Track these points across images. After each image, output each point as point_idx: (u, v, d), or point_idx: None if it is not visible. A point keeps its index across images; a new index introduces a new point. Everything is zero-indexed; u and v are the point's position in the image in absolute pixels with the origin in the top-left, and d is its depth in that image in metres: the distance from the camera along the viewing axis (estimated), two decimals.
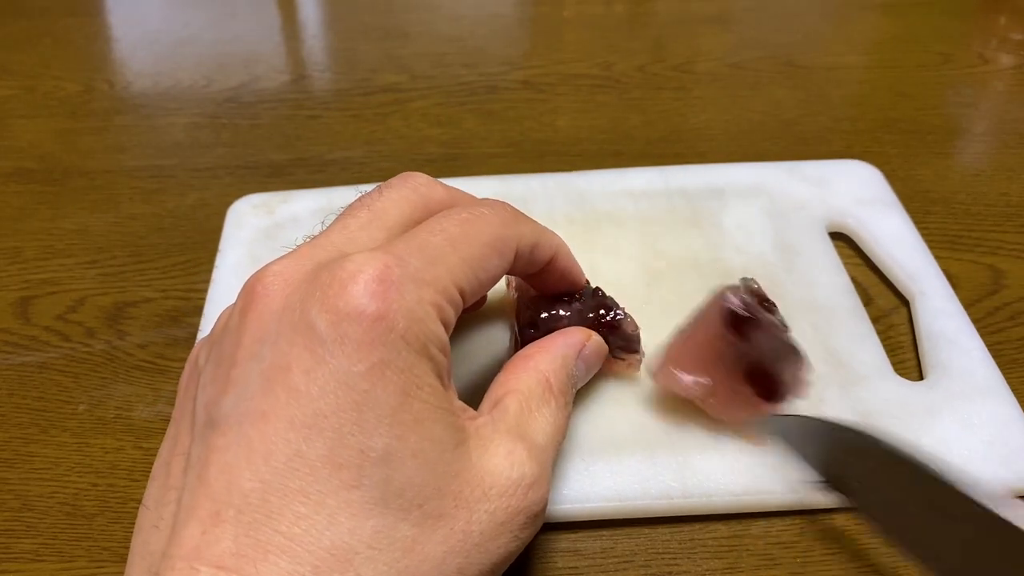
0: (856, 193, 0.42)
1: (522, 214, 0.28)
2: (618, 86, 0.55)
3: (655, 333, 0.32)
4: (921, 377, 0.34)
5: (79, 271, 0.41)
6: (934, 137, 0.50)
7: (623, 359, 0.32)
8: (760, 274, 0.35)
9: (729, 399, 0.30)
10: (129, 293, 0.40)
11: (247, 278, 0.24)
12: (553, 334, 0.30)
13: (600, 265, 0.37)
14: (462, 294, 0.25)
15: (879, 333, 0.36)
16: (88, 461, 0.33)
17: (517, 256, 0.27)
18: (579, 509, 0.29)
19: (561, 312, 0.31)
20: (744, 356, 0.29)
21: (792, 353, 0.30)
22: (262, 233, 0.40)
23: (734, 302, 0.29)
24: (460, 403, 0.24)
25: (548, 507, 0.25)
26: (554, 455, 0.26)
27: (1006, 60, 0.57)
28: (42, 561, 0.29)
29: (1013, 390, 0.35)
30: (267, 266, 0.24)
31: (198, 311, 0.38)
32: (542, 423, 0.26)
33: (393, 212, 0.26)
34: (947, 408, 0.32)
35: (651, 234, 0.39)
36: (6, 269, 0.41)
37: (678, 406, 0.32)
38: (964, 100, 0.54)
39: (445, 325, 0.24)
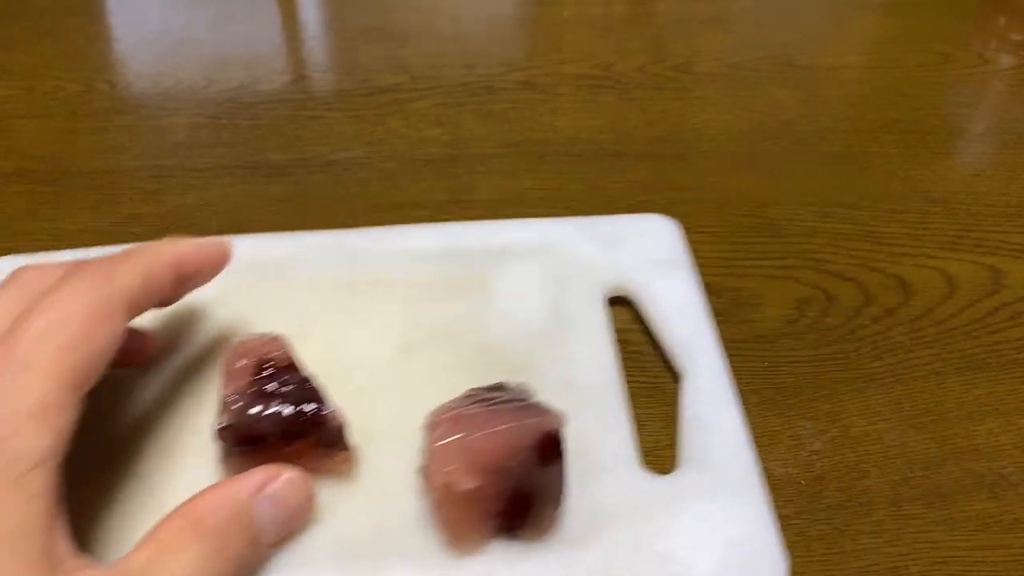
0: (648, 253, 0.39)
1: (121, 256, 0.27)
2: (618, 86, 0.55)
3: (397, 417, 0.30)
4: (674, 468, 0.31)
5: None
6: (934, 137, 0.50)
7: (333, 456, 0.29)
8: (521, 347, 0.34)
9: (474, 513, 0.27)
10: None
11: None
12: (226, 479, 0.27)
13: (352, 337, 0.35)
14: (75, 386, 0.24)
15: (644, 413, 0.34)
16: None
17: (132, 306, 0.26)
18: None
19: (261, 412, 0.28)
20: (523, 480, 0.27)
21: (560, 496, 0.28)
22: None
23: (560, 429, 0.27)
24: (69, 550, 0.22)
25: None
26: None
27: (1006, 60, 0.57)
28: None
29: (1013, 390, 0.35)
30: None
31: None
32: (178, 566, 0.23)
33: (1, 317, 0.25)
34: (691, 507, 0.29)
35: (416, 301, 0.36)
36: (6, 269, 0.41)
37: (383, 516, 0.29)
38: (964, 100, 0.54)
39: (52, 432, 0.22)
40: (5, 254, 0.42)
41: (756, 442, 0.33)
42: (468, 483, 0.26)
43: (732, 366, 0.36)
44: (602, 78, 0.56)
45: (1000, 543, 0.30)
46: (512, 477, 0.26)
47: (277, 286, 0.37)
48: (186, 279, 0.30)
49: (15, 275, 0.27)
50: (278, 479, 0.27)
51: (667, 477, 0.31)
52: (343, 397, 0.29)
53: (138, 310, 0.27)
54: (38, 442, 0.22)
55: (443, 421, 0.27)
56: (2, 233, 0.43)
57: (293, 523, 0.28)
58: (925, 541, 0.30)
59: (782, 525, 0.30)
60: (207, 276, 0.31)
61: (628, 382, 0.34)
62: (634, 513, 0.29)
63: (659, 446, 0.33)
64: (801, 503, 0.31)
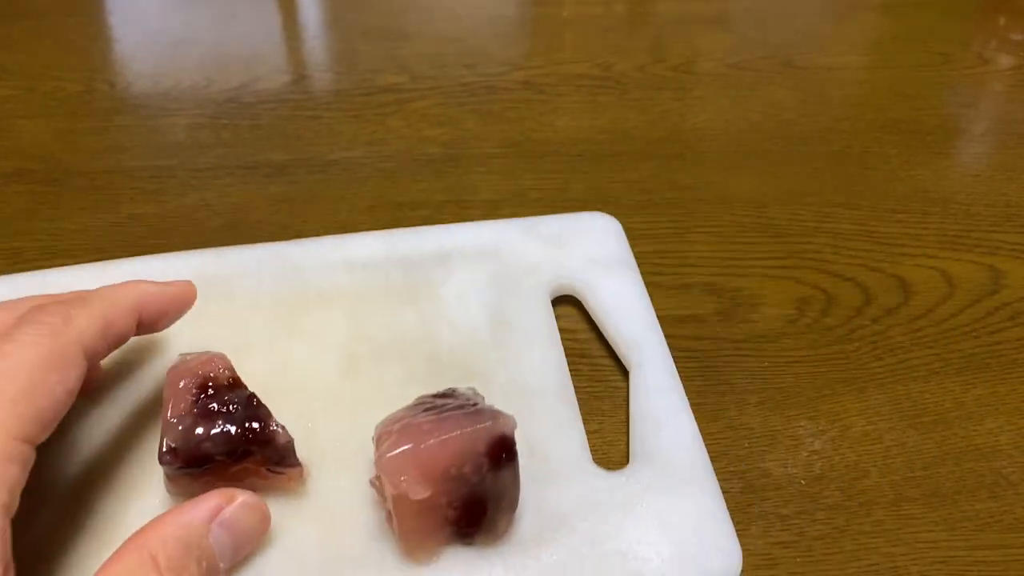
0: (591, 251, 0.39)
1: (80, 300, 0.27)
2: (618, 86, 0.55)
3: (344, 432, 0.31)
4: (627, 463, 0.31)
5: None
6: (934, 137, 0.50)
7: (281, 473, 0.29)
8: (469, 353, 0.34)
9: (429, 522, 0.27)
10: None
11: None
12: (178, 506, 0.26)
13: (295, 355, 0.34)
14: (27, 437, 0.23)
15: (595, 409, 0.34)
16: None
17: (90, 353, 0.26)
18: None
19: (205, 432, 0.27)
20: (477, 485, 0.27)
21: (514, 500, 0.28)
22: None
23: (511, 433, 0.27)
24: None
25: None
26: None
27: (1006, 60, 0.57)
28: None
29: (1012, 390, 0.35)
30: None
31: None
32: None
33: None
34: (644, 503, 0.29)
35: (361, 313, 0.36)
36: (7, 270, 0.41)
37: (336, 530, 0.28)
38: (964, 100, 0.54)
39: (5, 487, 0.22)
40: (6, 254, 0.42)
41: (756, 442, 0.33)
42: (421, 492, 0.26)
43: (732, 365, 0.36)
44: (602, 78, 0.56)
45: (1000, 543, 0.30)
46: (466, 483, 0.26)
47: (219, 304, 0.36)
48: (148, 323, 0.29)
49: None
50: (232, 503, 0.26)
51: (620, 473, 0.31)
52: (289, 414, 0.29)
53: (96, 357, 0.27)
54: None
55: (393, 431, 0.27)
56: (2, 233, 0.43)
57: (249, 546, 0.27)
58: (925, 541, 0.30)
59: (782, 525, 0.30)
60: (171, 319, 0.31)
61: (577, 380, 0.34)
62: (589, 512, 0.29)
63: (610, 442, 0.33)
64: (801, 503, 0.31)
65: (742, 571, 0.29)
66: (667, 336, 0.36)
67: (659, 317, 0.36)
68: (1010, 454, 0.33)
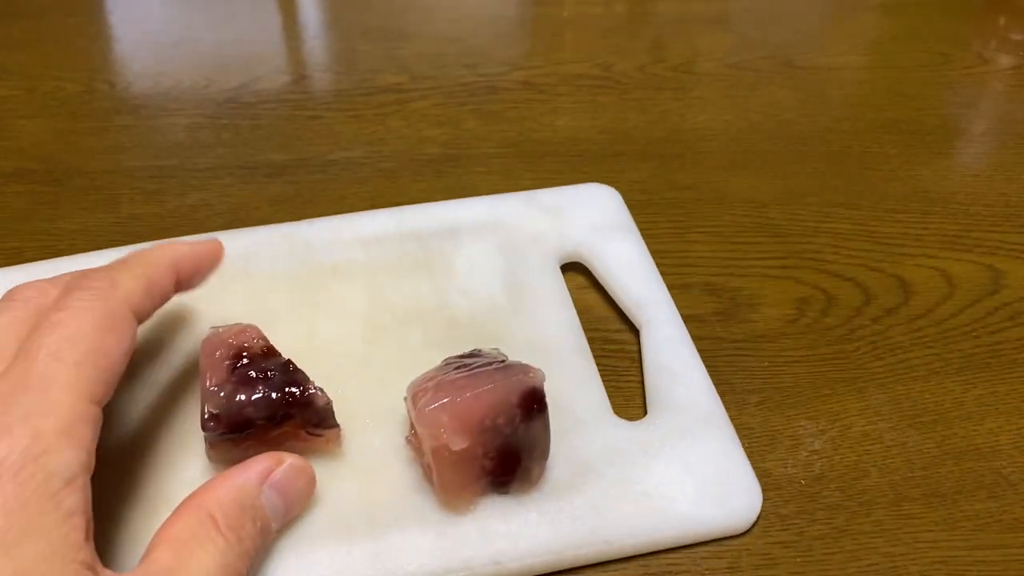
0: (592, 219, 0.41)
1: (121, 264, 0.28)
2: (618, 86, 0.55)
3: (374, 395, 0.32)
4: (644, 414, 0.33)
5: None
6: (934, 137, 0.50)
7: (320, 435, 0.30)
8: (486, 318, 0.36)
9: (467, 472, 0.28)
10: None
11: None
12: (230, 469, 0.27)
13: (319, 327, 0.35)
14: (95, 398, 0.24)
15: (609, 368, 0.35)
16: None
17: (138, 312, 0.26)
18: None
19: (246, 398, 0.28)
20: (511, 436, 0.28)
21: (545, 449, 0.29)
22: None
23: (541, 384, 0.29)
24: (94, 560, 0.22)
25: None
26: None
27: (1006, 60, 0.57)
28: None
29: (1012, 390, 0.35)
30: None
31: None
32: (199, 566, 0.24)
33: (9, 338, 0.25)
34: (665, 447, 0.31)
35: (379, 285, 0.37)
36: (7, 270, 0.41)
37: (375, 488, 0.30)
38: (964, 100, 0.54)
39: (80, 447, 0.23)
40: (6, 254, 0.42)
41: (756, 442, 0.33)
42: (460, 443, 0.27)
43: (732, 365, 0.36)
44: (602, 78, 0.56)
45: (1000, 543, 0.30)
46: (500, 434, 0.28)
47: (238, 281, 0.37)
48: (185, 280, 0.30)
49: (11, 295, 0.27)
50: (281, 465, 0.27)
51: (640, 423, 0.33)
52: (318, 380, 0.30)
53: (144, 316, 0.27)
54: (70, 459, 0.22)
55: (428, 388, 0.28)
56: (2, 233, 0.43)
57: (298, 507, 0.28)
58: (925, 541, 0.30)
59: (782, 525, 0.30)
60: (204, 275, 0.31)
61: (590, 340, 0.36)
62: (614, 458, 0.31)
63: (628, 396, 0.35)
64: (801, 503, 0.31)
65: (744, 571, 0.29)
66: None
67: None
68: (1010, 454, 0.33)
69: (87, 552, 0.22)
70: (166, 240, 0.31)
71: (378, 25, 0.62)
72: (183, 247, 0.30)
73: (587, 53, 0.58)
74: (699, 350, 0.36)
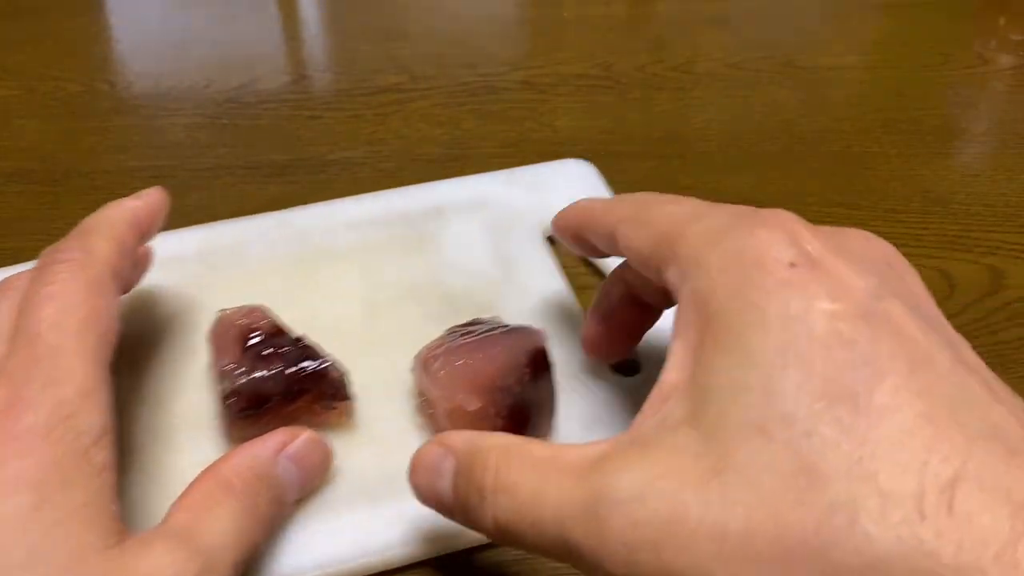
0: (572, 193, 0.40)
1: (88, 231, 0.28)
2: (618, 86, 0.55)
3: (380, 369, 0.33)
4: (639, 370, 0.34)
5: None
6: (934, 137, 0.50)
7: (334, 407, 0.31)
8: (480, 290, 0.37)
9: (482, 429, 0.28)
10: None
11: None
12: (246, 443, 0.28)
13: (319, 308, 0.36)
14: (102, 362, 0.25)
15: None
16: None
17: (116, 274, 0.27)
18: None
19: (264, 374, 0.29)
20: (520, 395, 0.29)
21: (552, 406, 0.31)
22: None
23: (546, 344, 0.30)
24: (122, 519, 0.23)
25: None
26: (236, 558, 0.24)
27: (1006, 60, 0.57)
28: None
29: (1012, 389, 0.35)
30: None
31: None
32: (216, 524, 0.24)
33: (3, 323, 0.25)
34: None
35: (373, 265, 0.39)
36: (7, 270, 0.41)
37: (390, 456, 0.30)
38: (964, 100, 0.54)
39: (101, 409, 0.24)
40: (6, 254, 0.42)
41: None
42: (475, 403, 0.28)
43: None
44: (602, 78, 0.56)
45: None
46: (512, 394, 0.29)
47: (234, 269, 0.38)
48: (145, 234, 0.30)
49: (3, 286, 0.27)
50: (297, 439, 0.28)
51: (636, 378, 0.34)
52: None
53: (120, 277, 0.28)
54: (96, 418, 0.23)
55: (437, 355, 0.30)
56: (2, 233, 0.43)
57: (313, 480, 0.29)
58: None
59: None
60: (158, 225, 0.32)
61: (583, 306, 0.36)
62: (615, 412, 0.32)
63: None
64: None
65: None
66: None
67: None
68: None
69: (118, 505, 0.23)
70: (114, 201, 0.31)
71: (378, 25, 0.62)
72: (135, 202, 0.30)
73: (587, 53, 0.58)
74: None
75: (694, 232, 0.23)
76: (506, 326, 0.31)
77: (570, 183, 0.43)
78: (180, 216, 0.44)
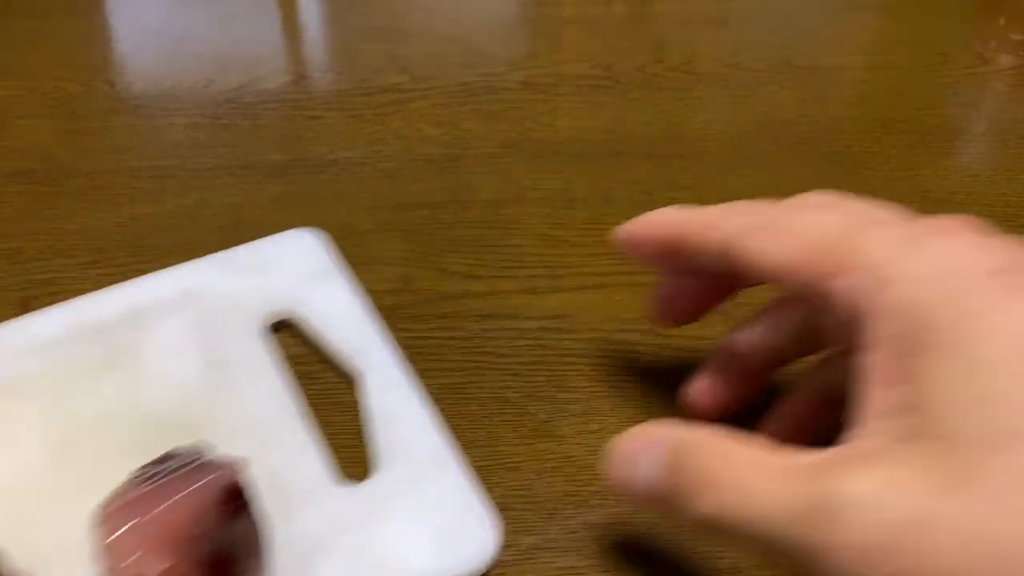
0: (298, 269, 0.38)
1: None
2: (618, 86, 0.55)
3: (66, 528, 0.27)
4: (372, 471, 0.31)
5: (80, 272, 0.41)
6: (934, 137, 0.50)
7: None
8: (186, 407, 0.33)
9: None
10: None
11: None
12: None
13: None
14: None
15: (333, 428, 0.33)
16: None
17: None
18: None
19: None
20: (218, 539, 0.26)
21: (260, 542, 0.27)
22: None
23: (238, 478, 0.26)
24: None
25: None
26: None
27: (1006, 60, 0.57)
28: None
29: None
30: None
31: None
32: None
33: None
34: (393, 502, 0.30)
35: (60, 395, 0.33)
36: (7, 270, 0.41)
37: None
38: (964, 100, 0.54)
39: None
40: (5, 254, 0.42)
41: None
42: (161, 564, 0.25)
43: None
44: (602, 78, 0.56)
45: None
46: (206, 542, 0.25)
47: None
48: None
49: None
50: None
51: (367, 483, 0.30)
52: None
53: None
54: None
55: (113, 512, 0.26)
56: (2, 233, 0.43)
57: None
58: None
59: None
60: None
61: (308, 401, 0.33)
62: (343, 528, 0.29)
63: (353, 455, 0.32)
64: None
65: (721, 569, 0.29)
66: (666, 337, 0.36)
67: None
68: None
69: None
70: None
71: (378, 25, 0.62)
72: None
73: (587, 53, 0.58)
74: (700, 350, 0.36)
75: (873, 242, 0.23)
76: (196, 460, 0.27)
77: (298, 258, 0.39)
78: (180, 216, 0.44)
